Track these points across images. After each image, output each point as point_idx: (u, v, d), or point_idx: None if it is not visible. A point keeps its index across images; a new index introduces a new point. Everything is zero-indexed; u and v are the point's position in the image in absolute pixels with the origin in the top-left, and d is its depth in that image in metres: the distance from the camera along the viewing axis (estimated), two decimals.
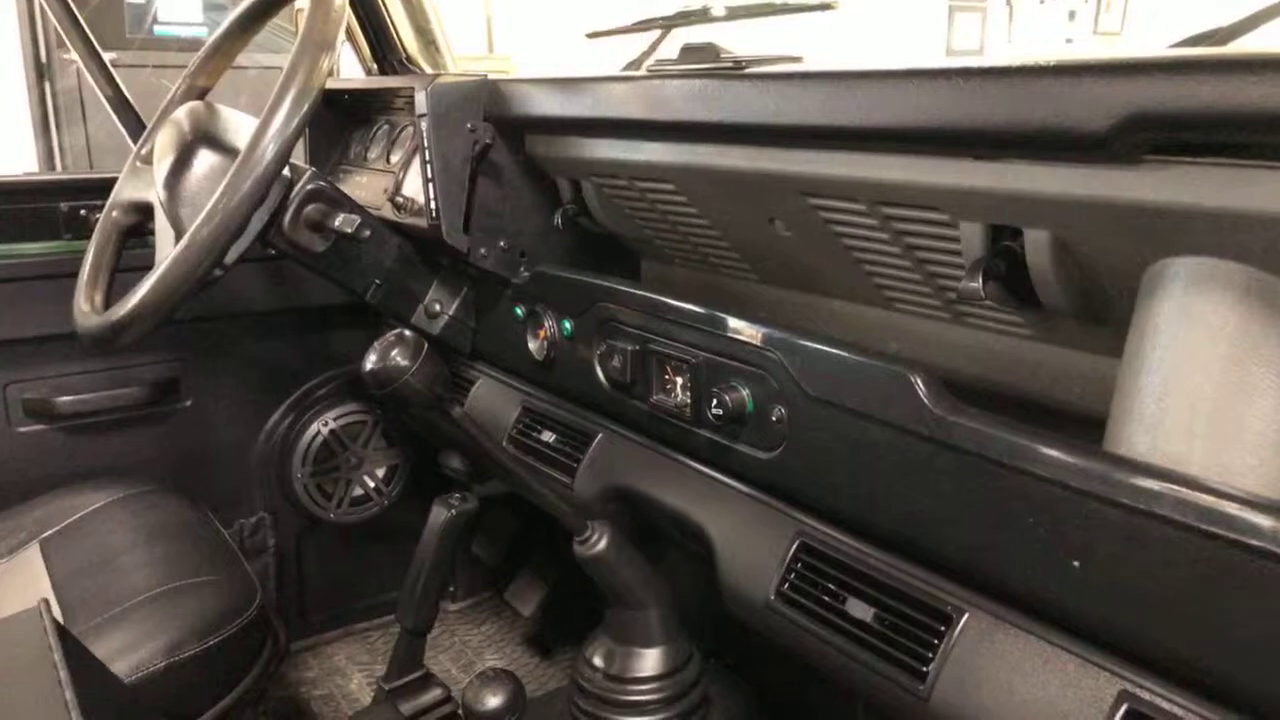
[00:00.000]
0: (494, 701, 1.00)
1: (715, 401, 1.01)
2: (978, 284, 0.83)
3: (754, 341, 0.99)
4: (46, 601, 0.92)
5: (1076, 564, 0.71)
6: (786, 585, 0.96)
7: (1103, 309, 0.84)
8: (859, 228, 0.98)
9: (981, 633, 0.80)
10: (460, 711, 1.32)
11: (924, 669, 0.82)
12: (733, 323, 1.02)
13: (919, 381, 0.83)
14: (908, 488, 0.84)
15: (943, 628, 0.82)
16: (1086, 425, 0.81)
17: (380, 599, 2.01)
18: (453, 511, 1.36)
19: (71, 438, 1.68)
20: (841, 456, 0.91)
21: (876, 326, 1.10)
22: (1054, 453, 0.72)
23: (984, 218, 0.84)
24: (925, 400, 0.82)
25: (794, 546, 0.97)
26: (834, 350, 0.92)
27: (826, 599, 0.92)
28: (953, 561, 0.83)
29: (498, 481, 1.58)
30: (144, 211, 1.37)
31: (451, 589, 2.11)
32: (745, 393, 1.00)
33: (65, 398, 1.65)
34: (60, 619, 1.02)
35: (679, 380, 1.10)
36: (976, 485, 0.78)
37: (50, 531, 1.40)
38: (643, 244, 1.40)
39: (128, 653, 1.11)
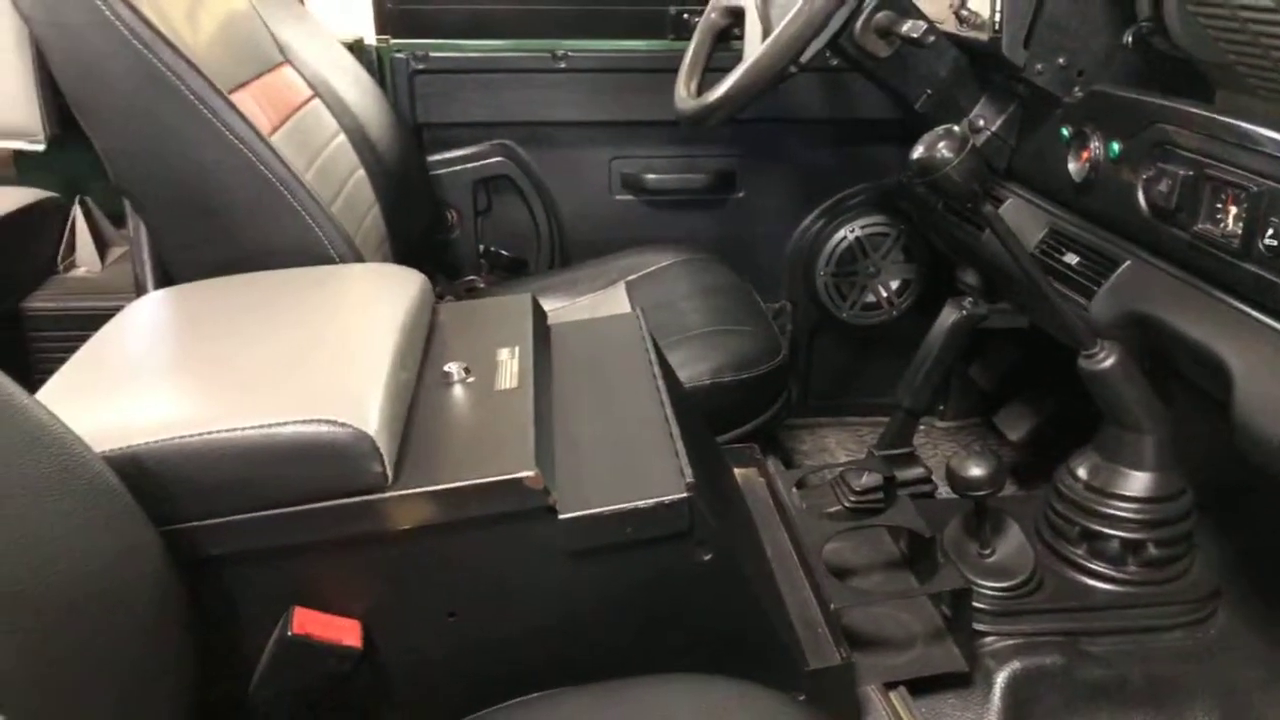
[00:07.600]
0: (977, 471, 1.11)
1: (1271, 232, 0.96)
2: None
3: None
4: (641, 310, 1.21)
5: None
6: None
7: None
8: None
9: None
10: (937, 495, 1.46)
11: None
12: None
13: None
14: None
15: None
16: None
17: (874, 400, 2.18)
18: (963, 312, 1.45)
19: (652, 209, 2.05)
20: None
21: None
22: None
23: None
24: None
25: None
26: None
27: None
28: None
29: (1006, 308, 1.61)
30: (736, 15, 1.60)
31: (941, 407, 2.21)
32: None
33: (651, 175, 2.01)
34: None
35: (1233, 210, 1.05)
36: None
37: (632, 276, 1.77)
38: (1222, 71, 1.29)
39: (684, 369, 1.41)
